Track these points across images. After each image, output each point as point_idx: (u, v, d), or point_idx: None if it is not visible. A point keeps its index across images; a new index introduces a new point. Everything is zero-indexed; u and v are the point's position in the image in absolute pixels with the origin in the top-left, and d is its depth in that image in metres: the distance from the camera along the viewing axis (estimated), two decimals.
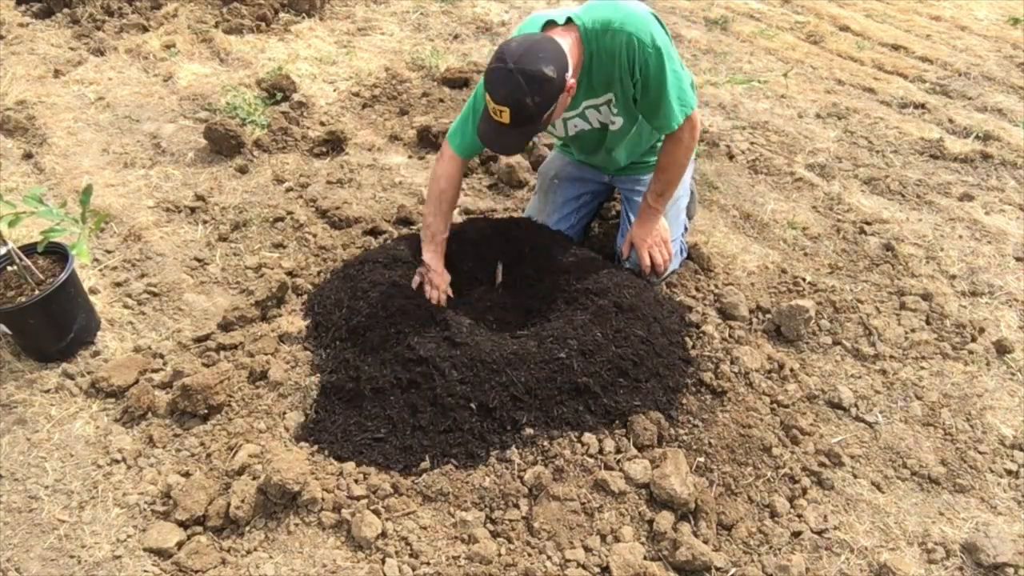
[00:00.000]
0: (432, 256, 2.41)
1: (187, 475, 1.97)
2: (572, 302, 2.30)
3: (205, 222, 2.98)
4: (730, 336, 2.43)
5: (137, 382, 2.24)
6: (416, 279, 2.39)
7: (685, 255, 2.71)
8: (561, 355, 2.08)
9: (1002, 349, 2.45)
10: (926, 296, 2.63)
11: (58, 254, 2.36)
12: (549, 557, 1.79)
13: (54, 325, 2.25)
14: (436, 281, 2.37)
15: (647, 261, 2.46)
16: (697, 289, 2.62)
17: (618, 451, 2.02)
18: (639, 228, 2.49)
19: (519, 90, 1.94)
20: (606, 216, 2.99)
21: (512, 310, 2.42)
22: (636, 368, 2.13)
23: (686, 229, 2.73)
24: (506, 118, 1.99)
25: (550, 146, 3.40)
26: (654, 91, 2.18)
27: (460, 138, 2.40)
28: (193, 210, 3.03)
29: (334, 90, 4.02)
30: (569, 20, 2.14)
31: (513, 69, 1.93)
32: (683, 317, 2.45)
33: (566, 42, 2.07)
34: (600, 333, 2.15)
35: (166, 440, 2.08)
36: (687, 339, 2.38)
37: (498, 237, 2.63)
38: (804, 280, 2.70)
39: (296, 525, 1.84)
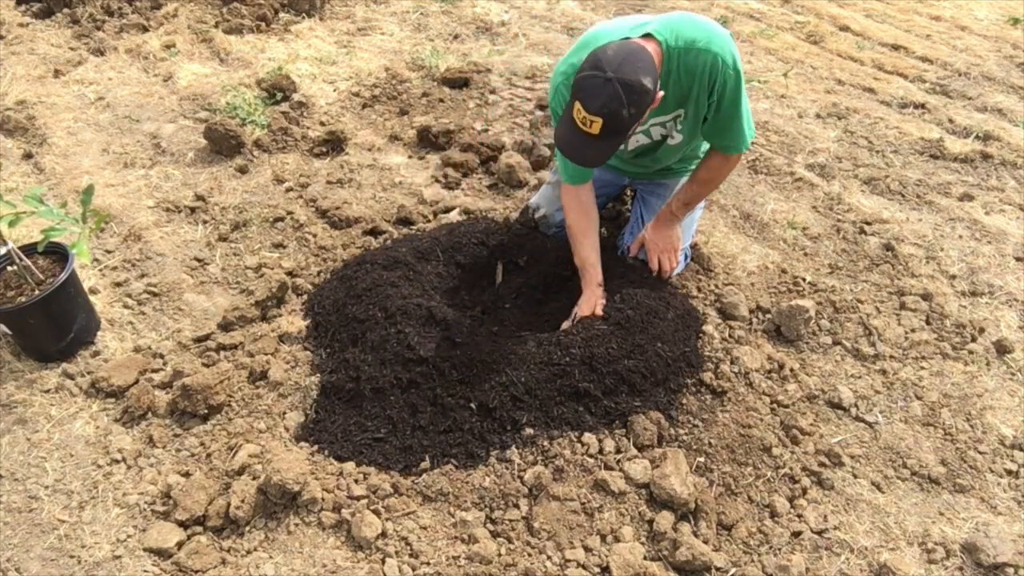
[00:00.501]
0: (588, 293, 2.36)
1: (187, 475, 1.97)
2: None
3: (205, 222, 2.98)
4: (730, 336, 2.43)
5: (137, 382, 2.24)
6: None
7: (689, 260, 2.71)
8: (564, 360, 2.08)
9: (1002, 349, 2.45)
10: (926, 296, 2.63)
11: (58, 254, 2.36)
12: (549, 557, 1.79)
13: (54, 325, 2.25)
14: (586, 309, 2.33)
15: (655, 266, 2.46)
16: (698, 289, 2.62)
17: (618, 451, 2.02)
18: (655, 232, 2.48)
19: (616, 100, 1.86)
20: (606, 216, 2.99)
21: (517, 317, 2.42)
22: (644, 380, 2.12)
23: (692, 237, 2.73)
24: (596, 129, 1.90)
25: (551, 146, 3.40)
26: (727, 111, 2.15)
27: (568, 170, 2.35)
28: (193, 210, 3.03)
29: (334, 90, 4.02)
30: (648, 35, 2.07)
31: (612, 78, 1.85)
32: (698, 324, 2.43)
33: (650, 54, 2.00)
34: (614, 345, 2.14)
35: (166, 440, 2.08)
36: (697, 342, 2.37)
37: (498, 238, 2.63)
38: (804, 280, 2.70)
39: (296, 525, 1.84)
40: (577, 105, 1.91)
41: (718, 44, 2.06)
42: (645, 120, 2.24)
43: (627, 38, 2.05)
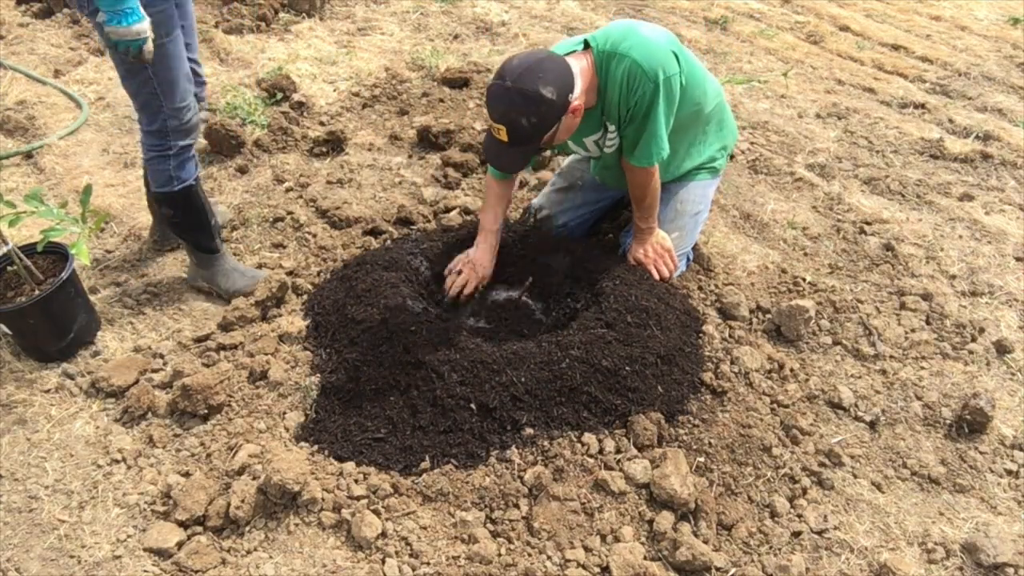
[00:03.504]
0: (477, 248, 2.44)
1: (187, 475, 1.97)
2: (590, 307, 2.30)
3: None
4: (730, 336, 2.43)
5: (137, 382, 2.24)
6: (449, 265, 2.44)
7: (690, 262, 2.71)
8: (564, 360, 2.08)
9: (1002, 349, 2.45)
10: (926, 296, 2.63)
11: (58, 254, 2.36)
12: (549, 557, 1.79)
13: (54, 325, 2.25)
14: (466, 272, 2.40)
15: (656, 276, 2.47)
16: (699, 289, 2.62)
17: (618, 451, 2.02)
18: (638, 248, 2.50)
19: (514, 109, 1.93)
20: (606, 217, 2.99)
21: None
22: (644, 380, 2.12)
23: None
24: (504, 136, 1.98)
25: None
26: (640, 123, 2.19)
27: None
28: None
29: (334, 90, 4.02)
30: (586, 43, 2.15)
31: (510, 87, 1.92)
32: (698, 324, 2.43)
33: (579, 64, 2.07)
34: (614, 345, 2.14)
35: (166, 440, 2.08)
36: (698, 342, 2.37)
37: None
38: (804, 280, 2.70)
39: (296, 525, 1.84)
40: (487, 112, 2.00)
41: (640, 51, 2.08)
42: (598, 127, 2.29)
43: (569, 52, 2.14)
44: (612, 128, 2.28)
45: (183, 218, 2.43)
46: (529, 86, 1.91)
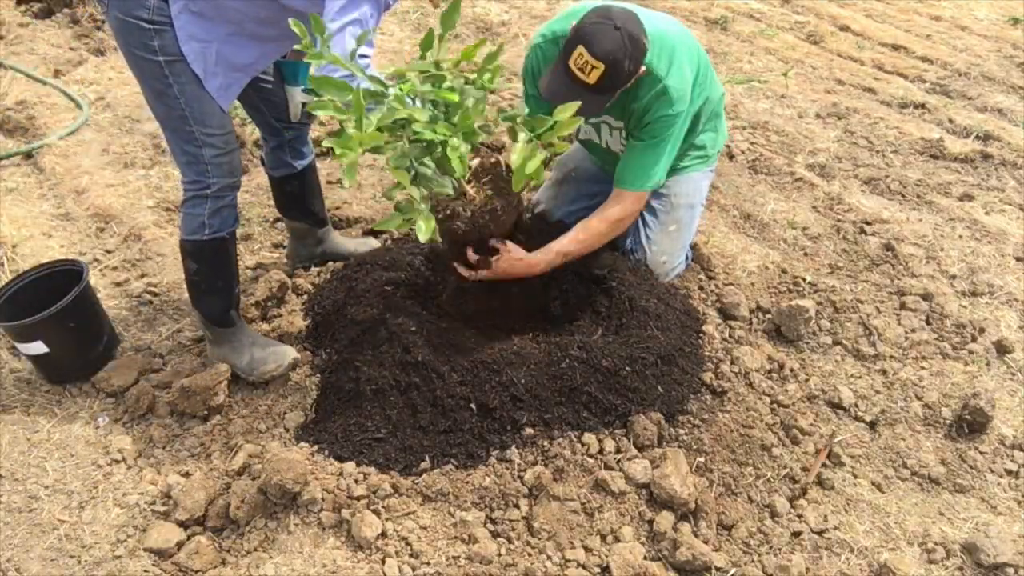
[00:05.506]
0: None
1: (187, 475, 1.97)
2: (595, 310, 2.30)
3: None
4: (730, 336, 2.43)
5: (137, 382, 2.24)
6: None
7: (689, 261, 2.71)
8: (564, 360, 2.08)
9: (1002, 349, 2.45)
10: (926, 296, 2.63)
11: (72, 271, 2.31)
12: (549, 557, 1.79)
13: (91, 325, 2.24)
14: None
15: (463, 271, 2.13)
16: (699, 289, 2.62)
17: (618, 451, 2.02)
18: (516, 252, 2.14)
19: (622, 50, 1.88)
20: None
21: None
22: (644, 380, 2.12)
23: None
24: (594, 78, 1.90)
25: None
26: (642, 144, 2.20)
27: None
28: None
29: None
30: None
31: (620, 29, 1.88)
32: (698, 324, 2.43)
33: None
34: (614, 345, 2.14)
35: (166, 440, 2.08)
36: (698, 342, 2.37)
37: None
38: (804, 280, 2.70)
39: (296, 525, 1.84)
40: (580, 49, 1.90)
41: (674, 79, 2.09)
42: (600, 113, 2.27)
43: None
44: (623, 128, 2.28)
45: (205, 277, 2.14)
46: (635, 31, 1.90)
